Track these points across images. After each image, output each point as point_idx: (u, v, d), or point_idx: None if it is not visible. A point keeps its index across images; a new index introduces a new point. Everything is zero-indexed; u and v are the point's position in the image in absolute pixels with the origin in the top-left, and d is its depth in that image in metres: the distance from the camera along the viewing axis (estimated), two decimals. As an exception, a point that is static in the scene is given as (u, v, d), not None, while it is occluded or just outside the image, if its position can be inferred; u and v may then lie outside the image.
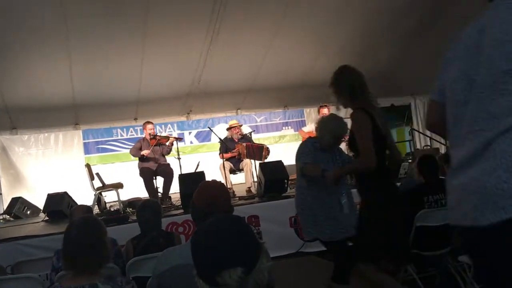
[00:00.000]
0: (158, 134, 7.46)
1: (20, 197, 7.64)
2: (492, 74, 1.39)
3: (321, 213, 3.60)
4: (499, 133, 1.35)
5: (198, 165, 7.22)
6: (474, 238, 1.47)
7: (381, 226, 2.95)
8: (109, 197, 7.36)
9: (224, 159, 7.16)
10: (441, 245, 3.83)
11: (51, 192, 6.96)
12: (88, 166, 7.25)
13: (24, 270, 3.69)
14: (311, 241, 4.24)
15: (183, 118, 9.66)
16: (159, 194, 7.04)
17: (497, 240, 1.37)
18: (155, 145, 7.13)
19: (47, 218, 6.67)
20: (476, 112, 1.43)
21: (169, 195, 7.15)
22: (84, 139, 9.10)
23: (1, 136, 8.57)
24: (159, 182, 7.21)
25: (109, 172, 8.15)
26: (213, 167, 7.58)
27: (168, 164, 7.32)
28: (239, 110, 9.98)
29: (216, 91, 8.88)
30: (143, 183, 7.07)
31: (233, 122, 7.92)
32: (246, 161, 7.13)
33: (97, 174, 7.02)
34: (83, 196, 7.25)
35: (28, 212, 7.51)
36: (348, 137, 3.26)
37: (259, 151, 7.18)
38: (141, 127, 9.08)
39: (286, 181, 6.20)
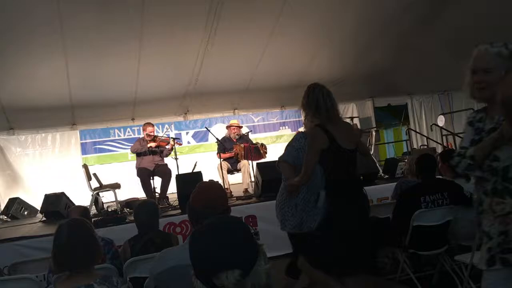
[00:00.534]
0: (158, 135, 7.47)
1: (17, 198, 7.63)
2: None
3: (292, 205, 3.52)
4: None
5: (195, 165, 7.22)
6: None
7: (335, 237, 3.09)
8: (107, 197, 7.35)
9: (222, 159, 7.17)
10: (437, 244, 3.85)
11: (48, 192, 6.94)
12: (85, 166, 7.24)
13: (21, 271, 3.69)
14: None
15: (180, 118, 9.66)
16: (156, 194, 7.04)
17: None
18: (154, 147, 7.16)
19: (44, 218, 6.65)
20: None
21: (167, 195, 7.15)
22: (81, 139, 9.08)
23: (-2, 136, 8.55)
24: (156, 182, 7.22)
25: (107, 173, 8.13)
26: (210, 167, 7.59)
27: (166, 165, 7.32)
28: (236, 110, 9.98)
29: (213, 91, 8.89)
30: (141, 183, 7.08)
31: (234, 121, 7.93)
32: (244, 161, 7.14)
33: (95, 174, 7.01)
34: (81, 196, 7.24)
35: (25, 212, 7.49)
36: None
37: (256, 152, 7.18)
38: (138, 127, 9.10)
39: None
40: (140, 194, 7.27)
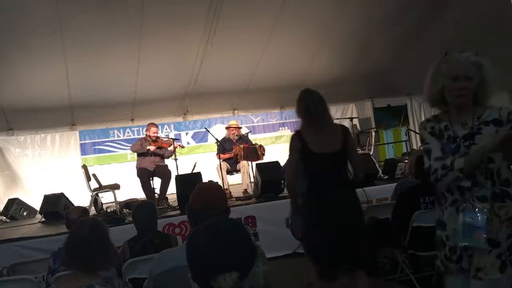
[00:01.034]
0: (160, 137, 7.47)
1: (16, 198, 7.62)
2: None
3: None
4: None
5: (195, 166, 7.21)
6: None
7: (314, 235, 3.21)
8: (106, 198, 7.33)
9: (221, 160, 7.17)
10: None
11: (47, 193, 6.94)
12: (84, 167, 7.23)
13: (20, 272, 3.69)
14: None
15: (179, 119, 9.65)
16: (156, 195, 7.04)
17: None
18: (156, 148, 7.17)
19: (43, 219, 6.65)
20: None
21: (166, 196, 7.15)
22: (80, 140, 9.07)
23: (-3, 137, 8.54)
24: (156, 183, 7.21)
25: (106, 173, 8.12)
26: (210, 168, 7.58)
27: (166, 166, 7.32)
28: (235, 111, 9.97)
29: (213, 91, 8.88)
30: (140, 183, 7.07)
31: (233, 122, 7.93)
32: (243, 162, 7.13)
33: (94, 175, 7.00)
34: (80, 197, 7.23)
35: (25, 213, 7.48)
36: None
37: (254, 152, 7.18)
38: (137, 128, 9.10)
39: (282, 181, 6.20)
40: (140, 195, 7.26)
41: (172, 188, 6.90)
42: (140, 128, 9.05)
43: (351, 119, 9.43)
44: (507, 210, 2.06)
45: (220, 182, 6.83)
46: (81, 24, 6.60)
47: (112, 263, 2.13)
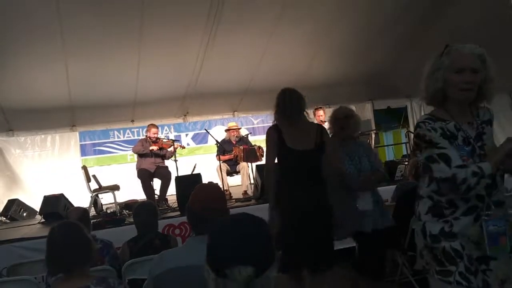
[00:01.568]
0: (160, 137, 7.48)
1: (16, 199, 7.61)
2: None
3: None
4: None
5: (194, 167, 7.22)
6: None
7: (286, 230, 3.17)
8: (106, 199, 7.35)
9: (221, 161, 7.17)
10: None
11: (47, 194, 6.93)
12: (84, 168, 7.23)
13: (20, 272, 3.69)
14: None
15: (180, 120, 9.65)
16: (156, 196, 7.04)
17: None
18: (157, 149, 7.18)
19: (43, 220, 6.65)
20: None
21: (166, 197, 7.15)
22: (80, 141, 9.09)
23: (-3, 138, 8.54)
24: (156, 184, 7.21)
25: (106, 174, 8.14)
26: (210, 169, 7.58)
27: (167, 167, 7.33)
28: (236, 112, 9.96)
29: (213, 92, 8.87)
30: (141, 184, 7.08)
31: (232, 124, 7.94)
32: (243, 163, 7.14)
33: (94, 176, 7.01)
34: (80, 198, 7.23)
35: (24, 214, 7.48)
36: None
37: (253, 153, 7.18)
38: (138, 129, 9.11)
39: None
40: (139, 196, 7.26)
41: (172, 189, 6.91)
42: (140, 129, 9.07)
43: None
44: None
45: (220, 184, 6.83)
46: (81, 25, 6.59)
47: (92, 259, 2.17)
